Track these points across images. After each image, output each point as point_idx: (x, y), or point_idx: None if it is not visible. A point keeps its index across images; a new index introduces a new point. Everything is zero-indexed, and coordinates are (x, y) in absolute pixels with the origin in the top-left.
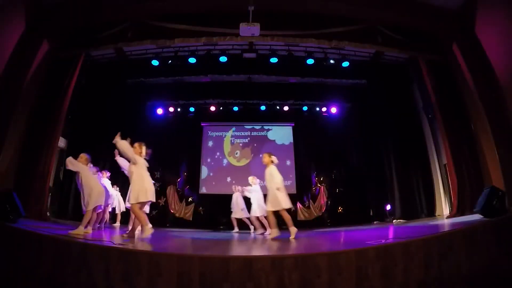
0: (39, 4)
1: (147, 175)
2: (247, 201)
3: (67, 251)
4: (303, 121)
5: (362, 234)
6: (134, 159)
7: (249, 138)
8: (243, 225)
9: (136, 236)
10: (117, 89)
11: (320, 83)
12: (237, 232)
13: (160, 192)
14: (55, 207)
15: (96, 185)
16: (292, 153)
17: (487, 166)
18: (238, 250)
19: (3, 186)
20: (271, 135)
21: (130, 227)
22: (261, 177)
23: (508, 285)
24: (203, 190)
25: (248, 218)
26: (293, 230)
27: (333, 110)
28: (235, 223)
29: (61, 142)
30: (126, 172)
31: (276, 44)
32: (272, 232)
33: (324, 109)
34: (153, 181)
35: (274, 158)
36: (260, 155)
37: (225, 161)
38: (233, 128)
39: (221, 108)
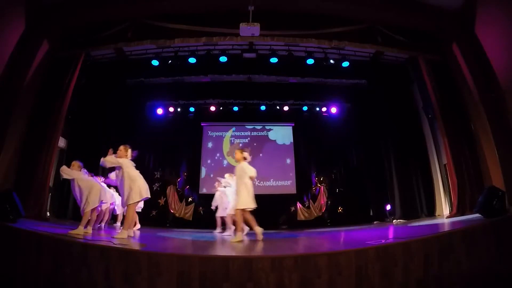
0: (39, 4)
1: (137, 174)
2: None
3: (67, 251)
4: (303, 121)
5: (362, 234)
6: (120, 163)
7: (249, 138)
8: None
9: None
10: (117, 89)
11: (320, 83)
12: (220, 232)
13: (160, 192)
14: (55, 207)
15: (94, 185)
16: (292, 153)
17: (487, 166)
18: (238, 250)
19: (3, 186)
20: (272, 135)
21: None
22: (262, 177)
23: (508, 285)
24: (203, 190)
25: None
26: (258, 230)
27: (333, 110)
28: (219, 222)
29: (61, 142)
30: (116, 181)
31: (276, 44)
32: (238, 235)
33: (324, 109)
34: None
35: (246, 154)
36: (260, 154)
37: (225, 161)
38: (233, 128)
39: (221, 108)
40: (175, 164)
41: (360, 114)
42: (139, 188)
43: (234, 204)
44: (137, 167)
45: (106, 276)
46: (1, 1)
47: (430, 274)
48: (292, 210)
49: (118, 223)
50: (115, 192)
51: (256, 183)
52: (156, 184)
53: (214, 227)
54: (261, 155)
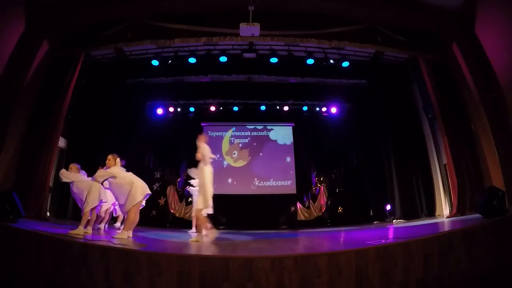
0: (39, 4)
1: (131, 175)
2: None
3: (67, 251)
4: (303, 121)
5: (362, 234)
6: (111, 173)
7: (249, 138)
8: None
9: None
10: (117, 89)
11: (320, 83)
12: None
13: (160, 192)
14: (55, 207)
15: (93, 185)
16: (292, 153)
17: (487, 166)
18: (238, 250)
19: (3, 186)
20: (272, 135)
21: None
22: (262, 177)
23: (508, 285)
24: None
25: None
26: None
27: (333, 110)
28: (195, 222)
29: (61, 142)
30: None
31: (276, 44)
32: (199, 235)
33: (324, 109)
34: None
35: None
36: (260, 154)
37: (225, 162)
38: (233, 128)
39: (221, 108)
40: (175, 164)
41: (360, 114)
42: (138, 187)
43: (199, 204)
44: (137, 167)
45: (106, 276)
46: (1, 1)
47: (430, 274)
48: (292, 210)
49: (118, 223)
50: None
51: (256, 183)
52: (156, 184)
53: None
54: (261, 154)
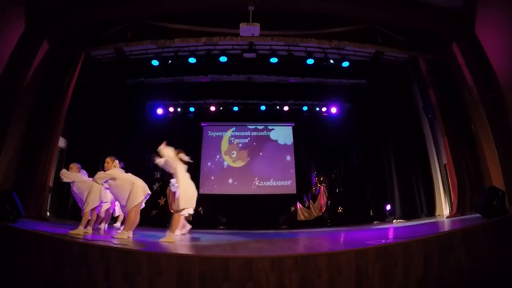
0: (39, 4)
1: (130, 176)
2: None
3: (67, 251)
4: (303, 121)
5: (362, 234)
6: (110, 175)
7: (249, 138)
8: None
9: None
10: (117, 89)
11: (320, 83)
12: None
13: (160, 192)
14: (55, 207)
15: (93, 185)
16: (292, 153)
17: (487, 166)
18: (238, 250)
19: (3, 186)
20: (273, 135)
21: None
22: (262, 177)
23: (508, 285)
24: (203, 190)
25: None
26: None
27: (333, 110)
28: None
29: (61, 142)
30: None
31: (276, 44)
32: (171, 234)
33: (324, 109)
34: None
35: (182, 155)
36: (260, 153)
37: (225, 163)
38: (233, 128)
39: (221, 108)
40: None
41: (360, 114)
42: (138, 187)
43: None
44: (137, 167)
45: (106, 276)
46: (1, 1)
47: (430, 274)
48: (292, 210)
49: (118, 223)
50: None
51: (256, 183)
52: (156, 184)
53: (214, 227)
54: (261, 154)
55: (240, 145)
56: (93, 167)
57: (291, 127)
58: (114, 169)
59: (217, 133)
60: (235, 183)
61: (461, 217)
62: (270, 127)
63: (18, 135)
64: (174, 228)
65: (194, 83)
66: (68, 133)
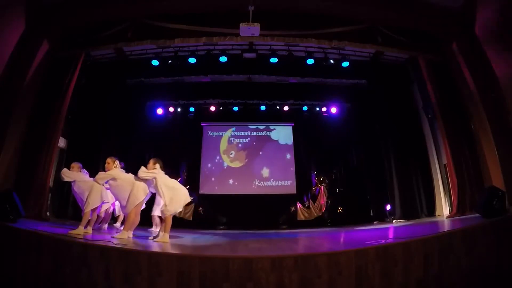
0: (39, 4)
1: (130, 176)
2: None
3: (67, 251)
4: (303, 121)
5: (362, 234)
6: (111, 175)
7: (249, 139)
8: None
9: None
10: (117, 89)
11: (320, 83)
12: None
13: None
14: (55, 207)
15: (94, 185)
16: (292, 153)
17: (487, 166)
18: (238, 250)
19: (3, 186)
20: (274, 135)
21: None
22: (262, 177)
23: (508, 285)
24: (203, 190)
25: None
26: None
27: (333, 110)
28: (157, 221)
29: (61, 142)
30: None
31: (276, 44)
32: (166, 235)
33: (324, 109)
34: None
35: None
36: (260, 153)
37: (225, 164)
38: (233, 128)
39: (221, 108)
40: (175, 164)
41: (360, 114)
42: (139, 187)
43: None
44: (137, 167)
45: (106, 276)
46: (1, 1)
47: (430, 274)
48: (292, 210)
49: (118, 223)
50: None
51: (256, 183)
52: None
53: (214, 227)
54: (262, 154)
55: (240, 145)
56: (93, 167)
57: (291, 127)
58: (115, 170)
59: (217, 133)
60: (236, 183)
61: (461, 217)
62: (271, 127)
63: (18, 135)
64: (168, 228)
65: (194, 83)
66: (68, 133)
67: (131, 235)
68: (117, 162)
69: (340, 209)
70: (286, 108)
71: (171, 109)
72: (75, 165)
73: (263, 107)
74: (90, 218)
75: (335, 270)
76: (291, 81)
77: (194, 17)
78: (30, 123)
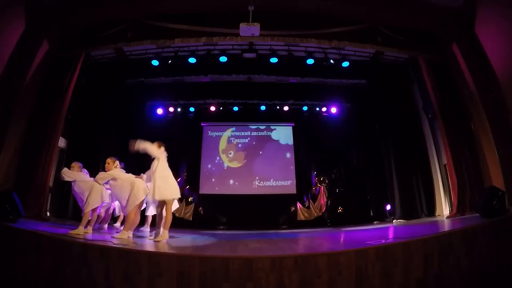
0: (39, 4)
1: (130, 176)
2: None
3: (67, 251)
4: (303, 121)
5: (362, 234)
6: (111, 175)
7: (249, 139)
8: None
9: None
10: (117, 89)
11: (320, 83)
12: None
13: None
14: (55, 207)
15: (94, 185)
16: (292, 153)
17: (487, 166)
18: (238, 250)
19: (3, 186)
20: (275, 135)
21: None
22: (262, 177)
23: (508, 285)
24: (203, 190)
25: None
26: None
27: (333, 110)
28: (150, 220)
29: (61, 142)
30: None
31: (276, 44)
32: (164, 233)
33: (324, 109)
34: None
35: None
36: (260, 152)
37: (225, 164)
38: (233, 128)
39: (221, 108)
40: (175, 164)
41: (360, 114)
42: (139, 187)
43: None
44: (137, 167)
45: (106, 276)
46: (1, 1)
47: (430, 274)
48: (292, 210)
49: (118, 223)
50: None
51: (257, 183)
52: None
53: (214, 227)
54: (262, 154)
55: (239, 145)
56: (93, 167)
57: (291, 127)
58: (115, 170)
59: (217, 133)
60: (236, 183)
61: (461, 217)
62: (272, 127)
63: (18, 135)
64: (168, 225)
65: (194, 83)
66: (68, 133)
67: (131, 235)
68: (117, 162)
69: (340, 209)
70: (286, 108)
71: (171, 109)
72: (76, 164)
73: (263, 107)
74: (90, 218)
75: (335, 270)
76: (291, 81)
77: (194, 17)
78: (30, 123)
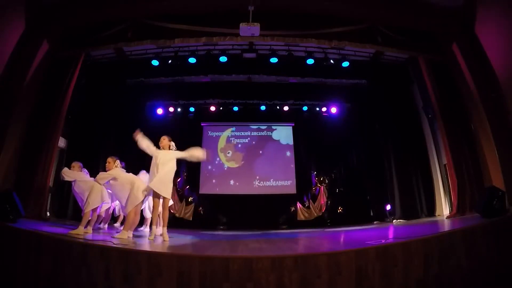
0: (39, 4)
1: (131, 176)
2: None
3: (67, 251)
4: (303, 121)
5: (362, 234)
6: (112, 174)
7: (249, 139)
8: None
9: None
10: (117, 89)
11: (320, 83)
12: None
13: None
14: (55, 207)
15: (95, 185)
16: (292, 153)
17: (487, 166)
18: (238, 250)
19: (3, 186)
20: (275, 135)
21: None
22: (263, 177)
23: (508, 285)
24: (203, 190)
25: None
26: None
27: (333, 110)
28: (149, 221)
29: (61, 142)
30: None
31: (276, 44)
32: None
33: (324, 109)
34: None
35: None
36: (260, 151)
37: (225, 165)
38: (233, 128)
39: (221, 108)
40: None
41: (360, 114)
42: (139, 187)
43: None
44: (137, 167)
45: (106, 276)
46: (1, 1)
47: (430, 274)
48: (292, 210)
49: (118, 223)
50: None
51: (257, 183)
52: None
53: (214, 227)
54: (262, 154)
55: (239, 145)
56: (93, 167)
57: (291, 127)
58: (116, 169)
59: (217, 133)
60: (237, 183)
61: (461, 217)
62: (273, 127)
63: (18, 135)
64: (165, 223)
65: (194, 83)
66: (68, 133)
67: (131, 235)
68: (118, 161)
69: (340, 209)
70: (286, 108)
71: (171, 109)
72: (76, 164)
73: (263, 107)
74: (90, 218)
75: (335, 270)
76: (291, 81)
77: (194, 17)
78: (30, 123)
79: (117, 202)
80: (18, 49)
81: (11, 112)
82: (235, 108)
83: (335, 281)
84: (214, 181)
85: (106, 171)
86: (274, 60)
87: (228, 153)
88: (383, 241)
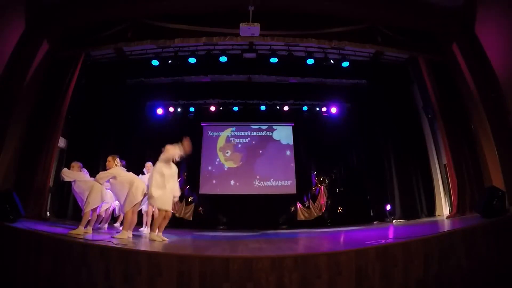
0: (39, 4)
1: (131, 176)
2: None
3: (67, 251)
4: (303, 121)
5: (362, 234)
6: (112, 173)
7: (248, 139)
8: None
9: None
10: (117, 89)
11: (320, 83)
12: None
13: None
14: (55, 207)
15: (94, 185)
16: (292, 153)
17: (487, 166)
18: (238, 250)
19: (3, 186)
20: (276, 135)
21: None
22: (263, 177)
23: (508, 285)
24: (203, 190)
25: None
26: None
27: (333, 110)
28: (149, 221)
29: (61, 142)
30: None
31: (276, 44)
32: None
33: (324, 109)
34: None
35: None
36: (260, 151)
37: (225, 166)
38: (233, 128)
39: (221, 108)
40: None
41: (360, 114)
42: (138, 187)
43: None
44: (137, 167)
45: (106, 276)
46: (1, 1)
47: (430, 274)
48: (292, 210)
49: (118, 223)
50: None
51: (257, 183)
52: None
53: (214, 227)
54: (262, 154)
55: (239, 145)
56: (93, 167)
57: (291, 127)
58: (116, 168)
59: (217, 133)
60: (237, 184)
61: (461, 217)
62: (274, 127)
63: (18, 135)
64: (161, 229)
65: (194, 83)
66: (68, 133)
67: (131, 235)
68: (118, 160)
69: (340, 209)
70: (286, 108)
71: (171, 109)
72: (75, 164)
73: (263, 107)
74: (90, 218)
75: (335, 270)
76: (291, 81)
77: (194, 17)
78: (30, 123)
79: (117, 202)
80: (18, 49)
81: (11, 112)
82: (235, 108)
83: (335, 281)
84: (214, 181)
85: (106, 170)
86: (274, 60)
87: (227, 152)
88: (383, 241)
